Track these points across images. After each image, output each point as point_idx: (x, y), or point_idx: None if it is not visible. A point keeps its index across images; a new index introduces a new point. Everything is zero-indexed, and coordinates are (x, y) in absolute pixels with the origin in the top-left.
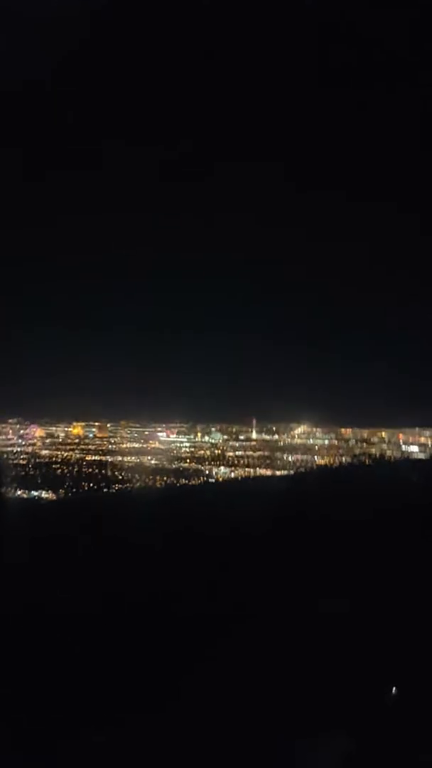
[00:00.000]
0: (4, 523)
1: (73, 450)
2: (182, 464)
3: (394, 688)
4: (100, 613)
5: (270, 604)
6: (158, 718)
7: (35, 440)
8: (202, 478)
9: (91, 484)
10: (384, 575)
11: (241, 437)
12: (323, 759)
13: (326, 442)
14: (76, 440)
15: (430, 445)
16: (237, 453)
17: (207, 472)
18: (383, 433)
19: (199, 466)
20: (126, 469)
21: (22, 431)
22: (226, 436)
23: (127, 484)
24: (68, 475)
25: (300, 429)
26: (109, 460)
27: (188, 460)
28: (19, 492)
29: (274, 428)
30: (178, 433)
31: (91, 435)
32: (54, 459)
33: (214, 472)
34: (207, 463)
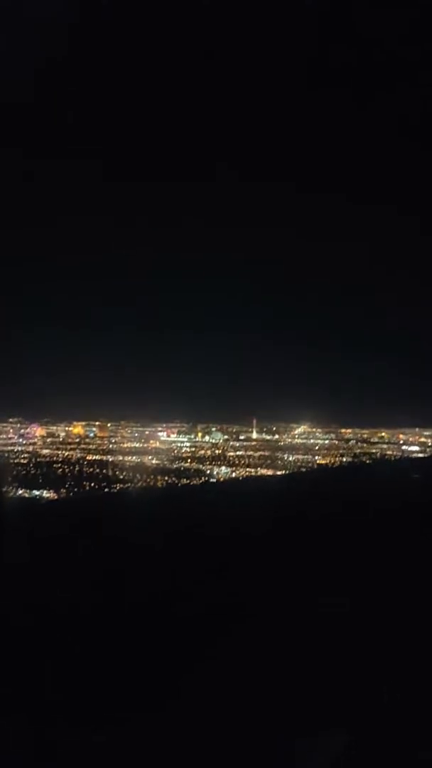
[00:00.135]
0: (4, 522)
1: (74, 449)
2: (183, 464)
3: (393, 687)
4: (100, 613)
5: (270, 603)
6: (158, 718)
7: (36, 440)
8: (203, 477)
9: (92, 484)
10: (384, 574)
11: (242, 437)
12: (323, 758)
13: (326, 442)
14: (77, 440)
15: (430, 445)
16: (237, 453)
17: (208, 471)
18: (383, 433)
19: (200, 465)
20: (127, 468)
21: (22, 431)
22: (226, 436)
23: (128, 484)
24: (69, 474)
25: (300, 429)
26: (110, 459)
27: (189, 460)
28: (20, 491)
29: (274, 428)
30: (179, 433)
31: (91, 434)
32: (55, 458)
33: (215, 472)
34: (208, 462)
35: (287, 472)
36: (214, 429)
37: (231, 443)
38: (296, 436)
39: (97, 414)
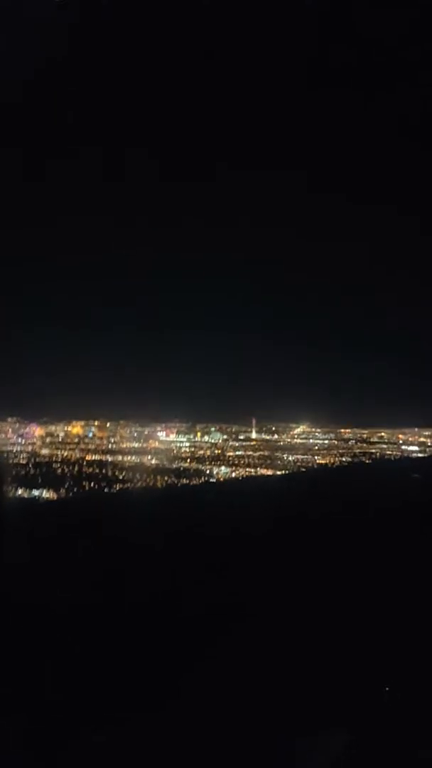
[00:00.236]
0: (3, 522)
1: (73, 449)
2: (182, 464)
3: (392, 686)
4: (100, 613)
5: (270, 603)
6: (158, 717)
7: (35, 439)
8: (202, 477)
9: (92, 484)
10: (384, 573)
11: (241, 437)
12: (324, 758)
13: (326, 442)
14: (76, 439)
15: (429, 445)
16: (237, 453)
17: (207, 471)
18: (383, 433)
19: (200, 465)
20: (126, 468)
21: (21, 430)
22: (225, 436)
23: (128, 484)
24: (68, 474)
25: (300, 429)
26: (109, 459)
27: (188, 460)
28: (19, 491)
29: (273, 428)
30: (178, 433)
31: (90, 434)
32: (54, 458)
33: (214, 472)
34: (207, 462)
35: (287, 472)
36: (213, 429)
37: (230, 443)
38: (296, 436)
39: (96, 414)
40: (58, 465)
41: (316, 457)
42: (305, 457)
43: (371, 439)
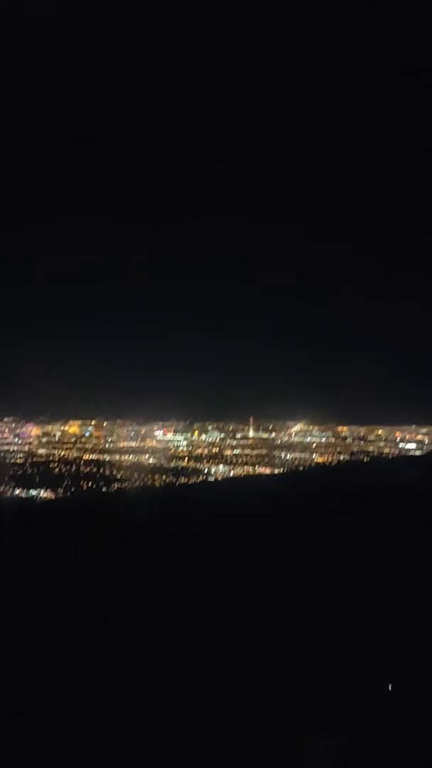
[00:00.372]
0: (2, 522)
1: (70, 449)
2: (180, 463)
3: (391, 685)
4: (100, 613)
5: (270, 602)
6: (158, 718)
7: (32, 439)
8: (200, 476)
9: (89, 483)
10: (383, 572)
11: (238, 435)
12: (324, 758)
13: (323, 439)
14: (73, 439)
15: (427, 442)
16: (234, 451)
17: (205, 470)
18: (380, 431)
19: (197, 464)
20: (124, 467)
21: (18, 430)
22: (223, 435)
23: (126, 483)
24: (66, 473)
25: (297, 427)
26: (107, 458)
27: (186, 459)
28: (16, 491)
29: (271, 426)
30: (175, 432)
31: (87, 433)
32: (51, 458)
33: (212, 471)
34: (205, 461)
35: (285, 470)
36: (210, 427)
37: (228, 441)
38: (293, 434)
39: (93, 413)
40: (56, 464)
41: (313, 455)
42: (303, 455)
43: (369, 437)
